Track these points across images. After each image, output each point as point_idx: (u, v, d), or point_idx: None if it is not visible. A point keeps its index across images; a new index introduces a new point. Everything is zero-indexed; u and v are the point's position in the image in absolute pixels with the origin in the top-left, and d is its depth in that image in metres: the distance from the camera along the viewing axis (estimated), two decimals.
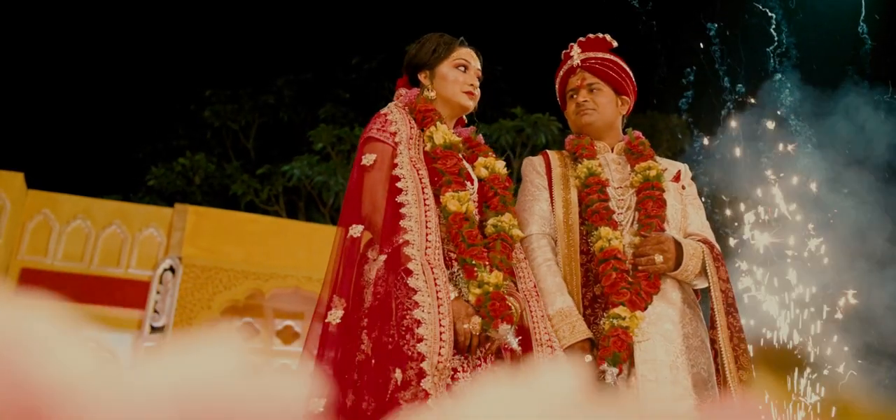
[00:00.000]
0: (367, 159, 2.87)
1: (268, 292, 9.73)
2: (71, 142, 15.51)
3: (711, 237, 3.08)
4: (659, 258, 2.80)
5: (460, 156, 2.93)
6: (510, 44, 14.74)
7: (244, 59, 16.15)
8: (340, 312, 2.65)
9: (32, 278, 9.29)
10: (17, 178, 9.38)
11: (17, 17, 15.10)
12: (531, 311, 2.81)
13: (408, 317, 2.54)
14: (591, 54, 3.22)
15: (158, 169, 12.81)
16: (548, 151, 3.26)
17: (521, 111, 12.43)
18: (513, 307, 2.66)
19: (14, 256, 9.29)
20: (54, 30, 15.34)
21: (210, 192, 12.98)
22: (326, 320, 2.64)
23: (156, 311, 9.41)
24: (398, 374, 2.49)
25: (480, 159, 3.04)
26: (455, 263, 2.76)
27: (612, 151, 3.22)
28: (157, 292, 9.50)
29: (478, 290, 2.63)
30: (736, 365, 2.75)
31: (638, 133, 3.23)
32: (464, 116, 3.18)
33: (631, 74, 3.23)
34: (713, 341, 2.84)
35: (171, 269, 9.59)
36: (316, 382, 2.56)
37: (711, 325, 2.87)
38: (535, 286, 2.89)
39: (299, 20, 16.81)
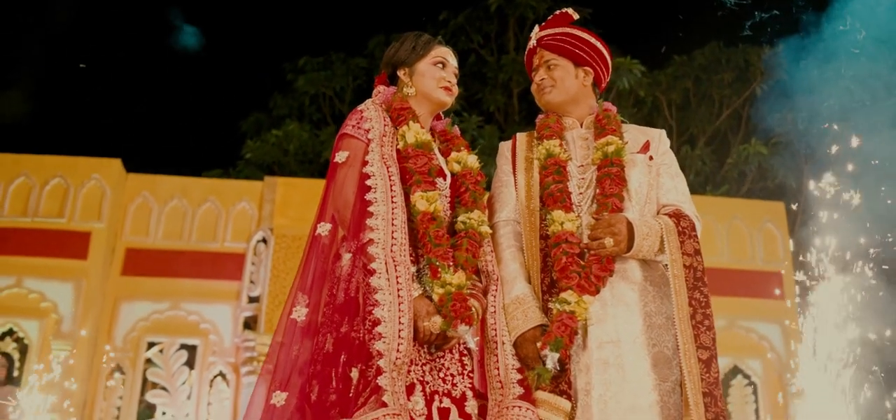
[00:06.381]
0: (340, 156, 2.96)
1: None
2: (170, 122, 16.19)
3: (687, 206, 3.00)
4: (609, 241, 2.77)
5: (432, 154, 2.98)
6: None
7: (336, 24, 16.41)
8: (304, 310, 2.76)
9: (137, 257, 9.86)
10: (115, 165, 9.92)
11: (110, 8, 15.76)
12: (491, 305, 2.87)
13: (370, 314, 2.62)
14: (548, 31, 3.19)
15: (253, 142, 13.24)
16: (517, 134, 3.26)
17: None
18: (473, 308, 2.72)
19: (119, 238, 9.86)
20: (143, 18, 15.97)
21: (305, 161, 13.32)
22: (292, 317, 2.76)
23: (252, 282, 9.82)
24: (359, 370, 2.58)
25: (453, 154, 3.08)
26: (422, 260, 2.83)
27: (581, 126, 3.17)
28: (252, 263, 9.90)
29: (441, 290, 2.70)
30: (695, 344, 2.69)
31: (607, 105, 3.17)
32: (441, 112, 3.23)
33: (593, 44, 3.17)
34: None
35: (264, 241, 9.97)
36: (278, 377, 2.69)
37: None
38: (498, 276, 2.94)
39: None
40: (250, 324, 9.63)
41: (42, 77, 15.14)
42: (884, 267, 8.47)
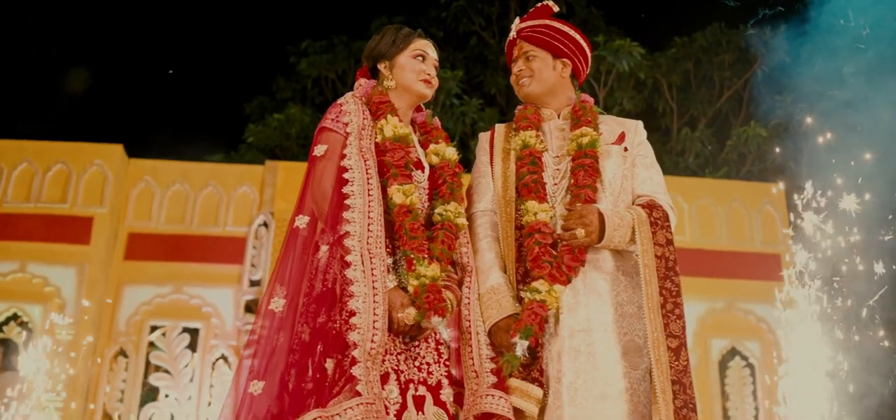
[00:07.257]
0: (319, 150, 3.02)
1: None
2: (172, 107, 16.23)
3: (662, 197, 3.05)
4: (581, 232, 2.82)
5: (410, 147, 3.03)
6: None
7: (339, 6, 16.41)
8: (282, 301, 2.82)
9: (139, 242, 9.92)
10: (118, 150, 9.98)
11: None
12: (465, 296, 2.93)
13: (346, 305, 2.69)
14: (528, 23, 3.24)
15: (256, 126, 13.28)
16: (497, 125, 3.32)
17: (604, 39, 12.13)
18: (448, 300, 2.78)
19: (122, 223, 9.92)
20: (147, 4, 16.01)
21: (306, 144, 13.32)
22: (270, 307, 2.82)
23: (253, 266, 9.88)
24: (334, 360, 2.65)
25: (432, 146, 3.14)
26: (399, 252, 2.89)
27: (559, 118, 3.22)
28: (253, 247, 9.95)
29: (415, 282, 2.76)
30: (665, 333, 2.74)
31: (585, 97, 3.22)
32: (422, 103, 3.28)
33: (572, 36, 3.21)
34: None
35: (265, 225, 10.02)
36: (255, 366, 2.76)
37: None
38: (472, 268, 3.00)
39: None
40: (252, 307, 9.69)
41: (44, 65, 15.22)
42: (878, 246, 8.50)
